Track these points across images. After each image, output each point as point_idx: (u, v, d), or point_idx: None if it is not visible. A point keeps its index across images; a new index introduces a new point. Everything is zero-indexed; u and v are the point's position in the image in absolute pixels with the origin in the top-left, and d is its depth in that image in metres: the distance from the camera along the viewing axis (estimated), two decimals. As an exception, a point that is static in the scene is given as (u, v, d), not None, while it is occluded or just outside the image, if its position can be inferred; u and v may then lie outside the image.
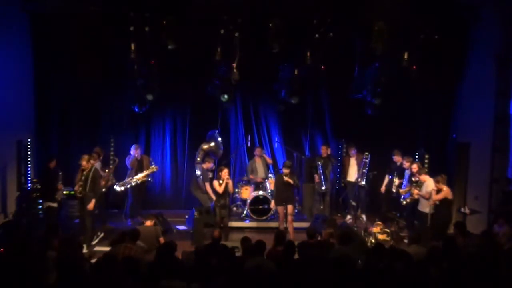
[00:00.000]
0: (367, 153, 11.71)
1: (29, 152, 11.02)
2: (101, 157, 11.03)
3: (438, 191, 9.78)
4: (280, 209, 10.46)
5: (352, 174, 11.94)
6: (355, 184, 11.83)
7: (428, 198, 9.85)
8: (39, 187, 10.83)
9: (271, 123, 13.04)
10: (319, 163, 11.90)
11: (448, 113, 12.10)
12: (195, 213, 10.48)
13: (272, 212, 11.35)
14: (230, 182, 10.72)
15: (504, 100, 11.15)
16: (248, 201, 11.57)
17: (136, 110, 11.39)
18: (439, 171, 11.56)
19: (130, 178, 11.32)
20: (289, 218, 10.38)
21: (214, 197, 10.78)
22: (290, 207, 10.36)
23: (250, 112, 12.95)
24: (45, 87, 11.64)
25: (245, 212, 11.77)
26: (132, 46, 10.39)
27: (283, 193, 10.31)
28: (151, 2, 10.52)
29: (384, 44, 10.50)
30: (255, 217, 11.49)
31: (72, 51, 10.93)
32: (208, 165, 11.38)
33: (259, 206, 11.47)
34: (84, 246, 9.32)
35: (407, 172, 10.99)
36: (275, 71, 11.79)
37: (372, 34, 10.54)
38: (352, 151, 12.01)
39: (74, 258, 6.71)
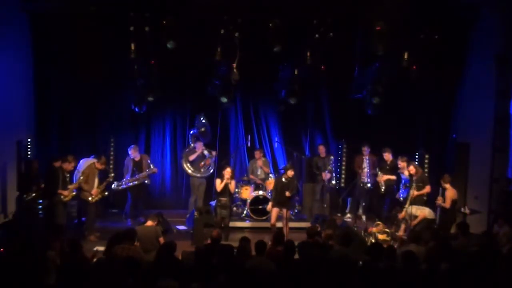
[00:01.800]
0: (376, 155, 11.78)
1: (29, 152, 11.01)
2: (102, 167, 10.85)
3: (443, 190, 9.98)
4: (275, 210, 10.40)
5: (365, 174, 11.92)
6: (365, 183, 11.82)
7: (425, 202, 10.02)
8: (42, 186, 10.77)
9: (271, 123, 13.04)
10: (327, 161, 11.93)
11: (448, 113, 12.10)
12: (195, 213, 10.48)
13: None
14: (233, 182, 10.72)
15: (504, 100, 11.14)
16: (248, 201, 11.57)
17: (136, 110, 11.40)
18: (439, 171, 11.58)
19: (129, 178, 11.34)
20: (284, 222, 10.35)
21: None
22: (286, 212, 10.31)
23: (250, 112, 12.96)
24: (45, 87, 11.63)
25: (245, 212, 11.77)
26: (132, 46, 10.40)
27: (281, 196, 10.29)
28: (151, 2, 10.52)
29: (384, 44, 10.50)
30: (255, 217, 11.49)
31: (72, 51, 10.93)
32: (200, 147, 11.85)
33: (259, 206, 11.47)
34: None
35: (404, 175, 11.00)
36: (275, 71, 11.79)
37: (372, 34, 10.54)
38: (366, 150, 11.95)
39: (74, 258, 6.72)
